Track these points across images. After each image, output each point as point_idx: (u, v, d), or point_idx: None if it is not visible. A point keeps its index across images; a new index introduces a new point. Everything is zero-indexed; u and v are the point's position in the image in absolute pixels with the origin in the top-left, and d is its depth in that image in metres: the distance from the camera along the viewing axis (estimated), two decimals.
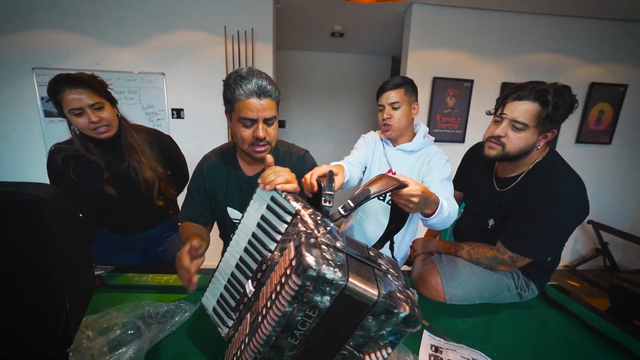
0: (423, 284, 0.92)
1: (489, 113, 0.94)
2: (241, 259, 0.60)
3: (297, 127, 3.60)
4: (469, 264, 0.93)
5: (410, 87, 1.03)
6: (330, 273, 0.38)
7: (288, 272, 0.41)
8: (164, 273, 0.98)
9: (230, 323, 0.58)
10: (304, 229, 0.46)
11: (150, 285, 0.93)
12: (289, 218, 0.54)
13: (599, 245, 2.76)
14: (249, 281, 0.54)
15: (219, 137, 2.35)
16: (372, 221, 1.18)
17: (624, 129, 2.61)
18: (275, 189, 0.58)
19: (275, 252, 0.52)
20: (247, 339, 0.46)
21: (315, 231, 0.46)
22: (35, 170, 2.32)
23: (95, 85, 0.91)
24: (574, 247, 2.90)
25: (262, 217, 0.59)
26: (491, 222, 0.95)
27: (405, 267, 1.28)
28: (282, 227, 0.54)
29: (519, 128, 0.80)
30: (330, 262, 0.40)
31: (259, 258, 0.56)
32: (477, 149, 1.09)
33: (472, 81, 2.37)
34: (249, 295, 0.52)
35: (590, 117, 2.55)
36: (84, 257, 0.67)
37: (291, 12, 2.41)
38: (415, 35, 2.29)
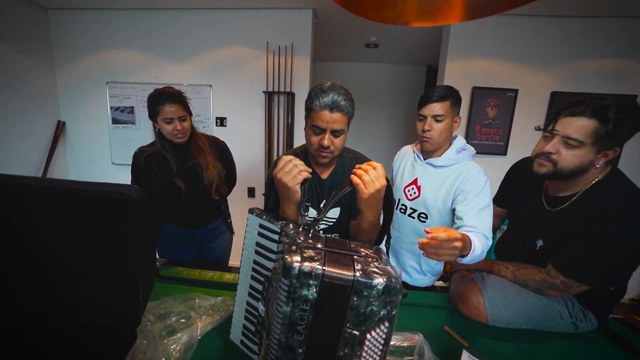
0: (462, 302, 0.88)
1: (537, 129, 0.90)
2: (251, 286, 0.66)
3: None
4: (514, 284, 0.87)
5: (455, 100, 1.00)
6: (308, 267, 0.44)
7: (277, 276, 0.48)
8: (209, 269, 1.09)
9: (257, 348, 0.63)
10: (288, 241, 0.53)
11: (197, 279, 1.03)
12: (277, 237, 0.60)
13: None
14: (260, 303, 0.59)
15: (258, 143, 2.50)
16: (405, 239, 1.16)
17: None
18: (260, 217, 0.64)
19: (270, 280, 0.57)
20: (264, 351, 0.51)
21: (298, 239, 0.53)
22: (101, 169, 2.67)
23: (183, 101, 1.18)
24: None
25: (257, 244, 0.65)
26: (540, 242, 0.88)
27: (439, 283, 1.24)
28: (274, 246, 0.61)
29: (573, 145, 0.75)
30: (308, 259, 0.46)
31: (262, 276, 0.62)
32: (524, 163, 1.02)
33: (516, 90, 2.24)
34: (262, 315, 0.56)
35: None
36: (152, 250, 0.79)
37: (328, 26, 2.51)
38: (453, 45, 2.25)
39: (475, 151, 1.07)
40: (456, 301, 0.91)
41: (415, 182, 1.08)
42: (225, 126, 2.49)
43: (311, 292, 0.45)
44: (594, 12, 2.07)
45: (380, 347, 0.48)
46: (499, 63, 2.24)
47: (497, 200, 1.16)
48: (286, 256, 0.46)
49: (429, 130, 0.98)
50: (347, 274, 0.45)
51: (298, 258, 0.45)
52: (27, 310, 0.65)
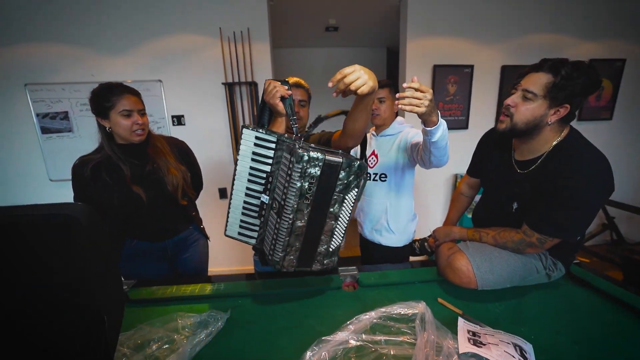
0: (453, 272, 0.92)
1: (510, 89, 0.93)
2: (248, 189, 0.83)
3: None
4: (497, 249, 0.93)
5: (394, 88, 1.32)
6: (315, 154, 0.69)
7: (291, 165, 0.70)
8: (187, 283, 0.97)
9: (256, 233, 0.85)
10: (289, 143, 0.76)
11: (176, 296, 0.92)
12: (273, 145, 0.79)
13: (606, 220, 2.78)
14: (263, 194, 0.81)
15: (223, 140, 2.32)
16: (374, 201, 1.39)
17: (624, 103, 2.61)
18: (256, 130, 0.79)
19: (274, 168, 0.79)
20: (279, 219, 0.75)
21: (296, 144, 0.74)
22: (37, 188, 2.28)
23: (140, 95, 1.08)
24: None
25: (254, 153, 0.80)
26: (515, 205, 0.94)
27: (421, 258, 1.29)
28: (271, 153, 0.79)
29: (529, 98, 0.81)
30: (313, 151, 0.70)
31: (262, 181, 0.81)
32: (492, 133, 1.08)
33: (472, 66, 2.35)
34: (267, 202, 0.81)
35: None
36: (114, 274, 0.66)
37: (285, 9, 2.38)
38: (412, 25, 2.27)
39: (411, 125, 1.36)
40: (447, 273, 0.95)
41: (373, 152, 1.38)
42: (184, 124, 2.26)
43: (316, 170, 0.71)
44: None
45: (352, 203, 0.80)
46: (455, 40, 2.32)
47: (471, 171, 1.21)
48: (297, 150, 0.69)
49: (376, 109, 1.31)
50: (338, 159, 0.72)
51: (306, 150, 0.69)
52: None
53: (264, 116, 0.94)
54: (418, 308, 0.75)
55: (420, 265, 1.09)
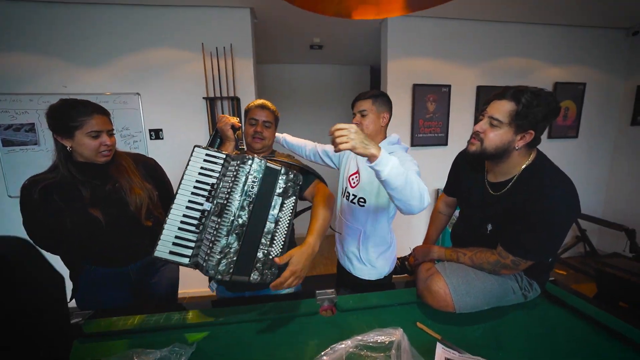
0: (431, 295, 0.90)
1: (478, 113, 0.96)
2: (190, 201, 0.85)
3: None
4: (473, 270, 0.93)
5: (380, 99, 1.13)
6: (259, 159, 0.84)
7: (238, 168, 0.83)
8: (152, 313, 0.89)
9: (190, 252, 0.83)
10: (239, 155, 0.87)
11: (139, 328, 0.83)
12: (221, 162, 0.87)
13: (579, 233, 2.91)
14: (205, 202, 0.85)
15: None
16: (349, 225, 1.25)
17: (587, 122, 2.81)
18: (207, 149, 0.88)
19: (218, 181, 0.86)
20: (219, 220, 0.81)
21: (245, 155, 0.86)
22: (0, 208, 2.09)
23: (109, 114, 1.02)
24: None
25: (202, 168, 0.87)
26: (489, 227, 0.95)
27: (402, 278, 1.25)
28: (218, 168, 0.87)
29: (495, 125, 0.84)
30: (257, 157, 0.85)
31: (206, 193, 0.85)
32: (466, 153, 1.11)
33: (449, 86, 2.46)
34: (208, 209, 0.84)
35: None
36: (57, 308, 0.58)
37: (269, 27, 2.41)
38: (392, 46, 2.36)
39: (407, 147, 1.19)
40: (425, 295, 0.93)
41: (357, 171, 1.21)
42: (162, 139, 2.18)
43: (258, 173, 0.84)
44: (506, 18, 2.40)
45: (291, 210, 0.89)
46: (433, 62, 2.43)
47: (447, 189, 1.22)
48: (247, 156, 0.84)
49: (357, 124, 1.13)
50: (277, 166, 0.87)
51: (245, 156, 0.84)
52: None
53: (215, 141, 1.09)
54: (395, 335, 0.71)
55: (402, 286, 1.07)
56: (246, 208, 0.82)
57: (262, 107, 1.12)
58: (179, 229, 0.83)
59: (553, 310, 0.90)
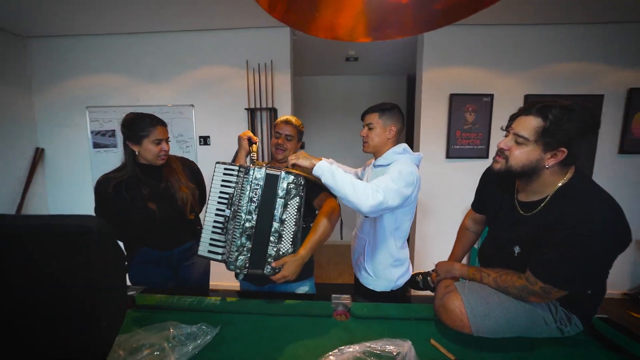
0: (446, 313, 0.86)
1: (502, 129, 0.92)
2: (217, 209, 1.03)
3: (316, 147, 3.71)
4: (496, 292, 0.85)
5: (387, 113, 1.17)
6: (260, 168, 0.99)
7: (244, 178, 1.00)
8: (189, 295, 1.05)
9: (221, 250, 1.01)
10: (247, 166, 1.03)
11: (176, 306, 0.99)
12: (236, 172, 1.02)
13: None
14: (226, 209, 1.02)
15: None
16: (358, 234, 1.32)
17: None
18: (224, 163, 1.05)
19: (236, 190, 1.01)
20: (234, 223, 0.99)
21: (251, 166, 1.02)
22: (82, 194, 2.60)
23: (166, 125, 1.26)
24: (634, 271, 2.56)
25: (223, 180, 1.04)
26: (517, 249, 0.87)
27: (423, 293, 1.22)
28: (234, 178, 1.02)
29: (520, 142, 0.79)
30: (259, 167, 1.00)
31: (226, 200, 1.02)
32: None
33: (491, 95, 2.32)
34: (228, 215, 1.01)
35: (633, 125, 2.35)
36: (120, 282, 0.75)
37: (307, 43, 2.58)
38: (428, 55, 2.33)
39: (418, 156, 1.18)
40: (440, 312, 0.89)
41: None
42: (209, 144, 2.48)
43: (260, 180, 0.99)
44: (560, 20, 2.19)
45: (296, 209, 0.99)
46: (473, 70, 2.32)
47: (475, 206, 1.16)
48: (250, 166, 1.00)
49: (364, 136, 1.20)
50: (276, 172, 0.98)
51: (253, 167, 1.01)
52: None
53: (236, 153, 1.30)
54: (403, 347, 0.73)
55: (419, 302, 1.05)
56: (253, 212, 0.98)
57: (286, 122, 1.24)
58: (212, 232, 1.03)
59: (599, 353, 0.77)
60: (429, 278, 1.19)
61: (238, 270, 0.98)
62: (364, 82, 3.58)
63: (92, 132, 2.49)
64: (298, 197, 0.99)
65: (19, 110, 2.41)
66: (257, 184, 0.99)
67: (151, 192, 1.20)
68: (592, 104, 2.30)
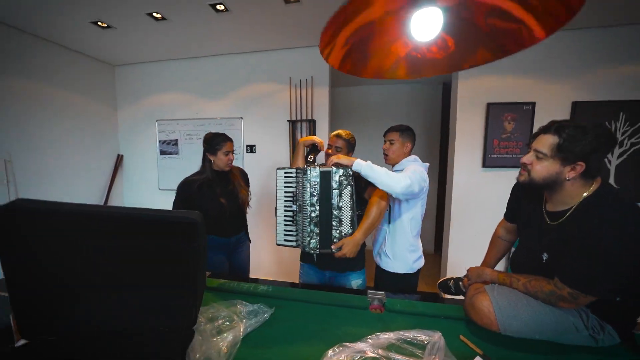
0: (474, 311, 0.93)
1: (526, 145, 0.99)
2: (285, 206, 1.32)
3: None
4: (526, 297, 0.91)
5: (405, 133, 1.45)
6: (315, 168, 1.23)
7: (303, 178, 1.24)
8: (245, 281, 1.27)
9: (294, 238, 1.30)
10: (304, 168, 1.25)
11: (236, 289, 1.20)
12: (294, 174, 1.28)
13: None
14: (293, 205, 1.29)
15: (283, 165, 2.73)
16: (380, 227, 1.52)
17: None
18: (283, 169, 1.32)
19: (297, 188, 1.27)
20: (301, 214, 1.24)
21: (306, 168, 1.24)
22: (150, 195, 3.07)
23: (232, 140, 1.61)
24: None
25: (285, 183, 1.31)
26: (545, 256, 0.93)
27: (449, 296, 1.29)
28: (294, 179, 1.28)
29: (540, 157, 0.88)
30: (314, 167, 1.23)
31: (291, 197, 1.28)
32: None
33: (533, 103, 2.25)
34: (295, 209, 1.28)
35: None
36: (206, 262, 0.97)
37: None
38: None
39: (427, 164, 1.43)
40: (468, 310, 0.97)
41: None
42: (255, 152, 2.77)
43: (316, 177, 1.21)
44: (606, 22, 2.07)
45: (349, 196, 1.22)
46: (512, 78, 2.28)
47: (507, 215, 1.21)
48: (307, 168, 1.22)
49: (386, 149, 1.47)
50: (328, 168, 1.21)
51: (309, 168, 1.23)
52: (107, 320, 0.82)
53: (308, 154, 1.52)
54: (434, 337, 0.82)
55: (445, 301, 1.14)
56: (315, 204, 1.22)
57: (337, 135, 1.46)
58: (284, 224, 1.33)
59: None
60: (460, 283, 1.25)
61: (312, 251, 1.23)
62: (400, 89, 3.65)
63: (160, 142, 2.95)
64: (349, 187, 1.23)
65: (105, 122, 2.95)
66: (315, 181, 1.21)
67: (222, 190, 1.57)
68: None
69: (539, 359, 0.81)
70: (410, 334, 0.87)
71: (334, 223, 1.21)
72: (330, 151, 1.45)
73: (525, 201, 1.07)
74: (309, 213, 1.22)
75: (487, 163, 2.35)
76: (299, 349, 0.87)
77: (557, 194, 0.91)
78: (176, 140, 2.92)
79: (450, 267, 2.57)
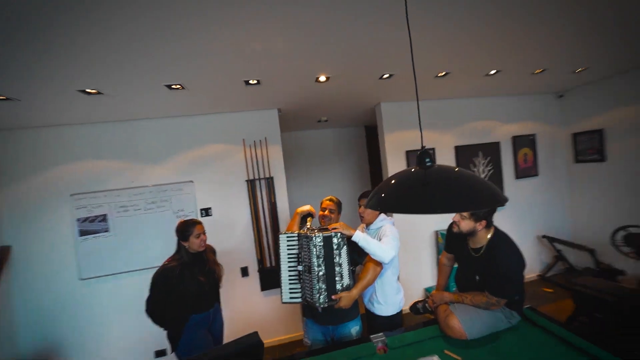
0: (450, 330, 1.37)
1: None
2: (289, 267, 1.52)
3: (296, 191, 4.10)
4: (474, 308, 1.41)
5: None
6: (319, 234, 1.45)
7: (310, 243, 1.44)
8: None
9: (299, 294, 1.48)
10: (305, 233, 1.50)
11: None
12: (296, 238, 1.52)
13: (556, 253, 3.47)
14: (298, 266, 1.49)
15: (244, 226, 2.70)
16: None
17: (543, 163, 3.53)
18: (285, 234, 1.55)
19: (299, 250, 1.51)
20: (309, 275, 1.43)
21: (308, 233, 1.48)
22: (65, 287, 2.40)
23: (202, 223, 1.73)
24: (538, 258, 3.58)
25: (287, 246, 1.53)
26: (477, 277, 1.47)
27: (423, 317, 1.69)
28: (296, 242, 1.52)
29: (463, 217, 1.43)
30: (317, 232, 1.48)
31: (295, 258, 1.50)
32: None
33: (433, 149, 3.13)
34: (301, 269, 1.48)
35: (519, 159, 3.44)
36: None
37: (289, 114, 3.05)
38: (386, 123, 3.04)
39: (392, 219, 1.76)
40: (445, 330, 1.41)
41: None
42: (211, 215, 2.63)
43: (320, 241, 1.43)
44: (472, 94, 3.16)
45: (346, 254, 1.48)
46: (418, 131, 3.11)
47: (446, 249, 1.76)
48: (311, 235, 1.44)
49: (362, 212, 1.76)
50: (329, 233, 1.45)
51: (313, 234, 1.45)
52: None
53: (300, 222, 1.74)
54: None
55: (421, 325, 1.52)
56: (322, 264, 1.42)
57: (329, 200, 1.77)
58: (289, 283, 1.51)
59: (530, 330, 1.39)
60: (426, 305, 1.68)
61: (322, 305, 1.41)
62: (330, 133, 4.24)
63: (78, 220, 2.39)
64: (345, 246, 1.48)
65: None
66: (320, 245, 1.42)
67: (200, 269, 1.71)
68: (492, 148, 3.32)
69: (491, 347, 1.29)
70: None
71: (337, 278, 1.44)
72: (326, 213, 1.72)
73: (456, 241, 1.61)
74: (317, 272, 1.40)
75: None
76: None
77: (475, 238, 1.47)
78: (104, 215, 2.44)
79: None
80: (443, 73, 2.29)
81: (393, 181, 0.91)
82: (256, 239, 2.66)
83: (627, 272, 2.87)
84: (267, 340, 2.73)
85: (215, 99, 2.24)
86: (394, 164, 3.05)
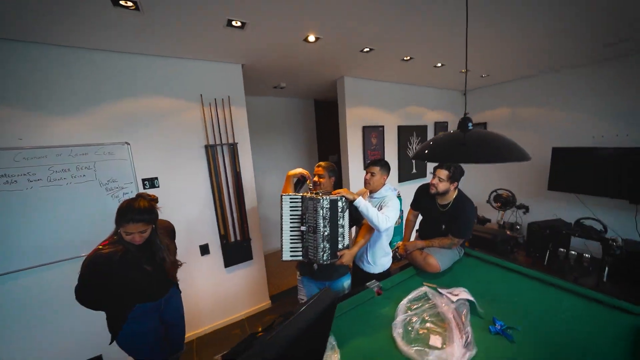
0: (429, 267, 1.74)
1: (431, 173, 1.85)
2: (290, 227, 1.59)
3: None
4: (440, 249, 1.83)
5: (384, 167, 1.81)
6: (326, 197, 1.54)
7: (317, 205, 1.53)
8: None
9: (300, 253, 1.58)
10: (310, 195, 1.58)
11: None
12: (300, 199, 1.58)
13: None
14: (302, 226, 1.57)
15: (200, 200, 2.32)
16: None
17: None
18: (288, 195, 1.60)
19: (303, 211, 1.57)
20: (315, 235, 1.54)
21: (314, 196, 1.56)
22: None
23: (150, 215, 1.35)
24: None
25: (290, 207, 1.58)
26: (443, 227, 1.88)
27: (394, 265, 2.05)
28: (299, 203, 1.58)
29: (441, 180, 1.79)
30: (324, 196, 1.56)
31: (298, 219, 1.58)
32: (425, 186, 2.01)
33: (383, 126, 3.48)
34: (305, 230, 1.57)
35: None
36: None
37: (248, 74, 2.68)
38: (348, 97, 3.13)
39: (397, 190, 1.89)
40: (424, 267, 1.77)
41: None
42: (158, 187, 2.12)
43: (327, 204, 1.52)
44: (410, 82, 3.59)
45: (348, 217, 1.60)
46: (373, 110, 3.37)
47: (413, 206, 2.12)
48: (318, 198, 1.53)
49: (367, 179, 1.81)
50: (336, 197, 1.55)
51: (321, 197, 1.53)
52: None
53: (297, 185, 1.78)
54: (422, 291, 1.52)
55: (398, 271, 1.85)
56: (327, 225, 1.52)
57: (318, 165, 1.77)
58: (290, 242, 1.58)
59: (468, 259, 1.93)
60: (397, 253, 2.02)
61: (324, 262, 1.52)
62: (281, 102, 3.97)
63: None
64: (348, 209, 1.59)
65: None
66: (327, 207, 1.50)
67: (145, 256, 1.41)
68: (422, 130, 4.00)
69: (452, 274, 1.75)
70: (411, 296, 1.49)
71: (340, 238, 1.55)
72: (315, 179, 1.73)
73: (426, 199, 1.97)
74: (322, 232, 1.50)
75: (366, 165, 3.36)
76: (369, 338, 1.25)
77: (445, 196, 1.86)
78: None
79: None
80: (408, 57, 2.52)
81: (441, 137, 1.07)
82: (219, 213, 2.35)
83: (491, 220, 4.18)
84: (235, 315, 2.58)
85: (174, 35, 1.72)
86: (353, 137, 3.23)
